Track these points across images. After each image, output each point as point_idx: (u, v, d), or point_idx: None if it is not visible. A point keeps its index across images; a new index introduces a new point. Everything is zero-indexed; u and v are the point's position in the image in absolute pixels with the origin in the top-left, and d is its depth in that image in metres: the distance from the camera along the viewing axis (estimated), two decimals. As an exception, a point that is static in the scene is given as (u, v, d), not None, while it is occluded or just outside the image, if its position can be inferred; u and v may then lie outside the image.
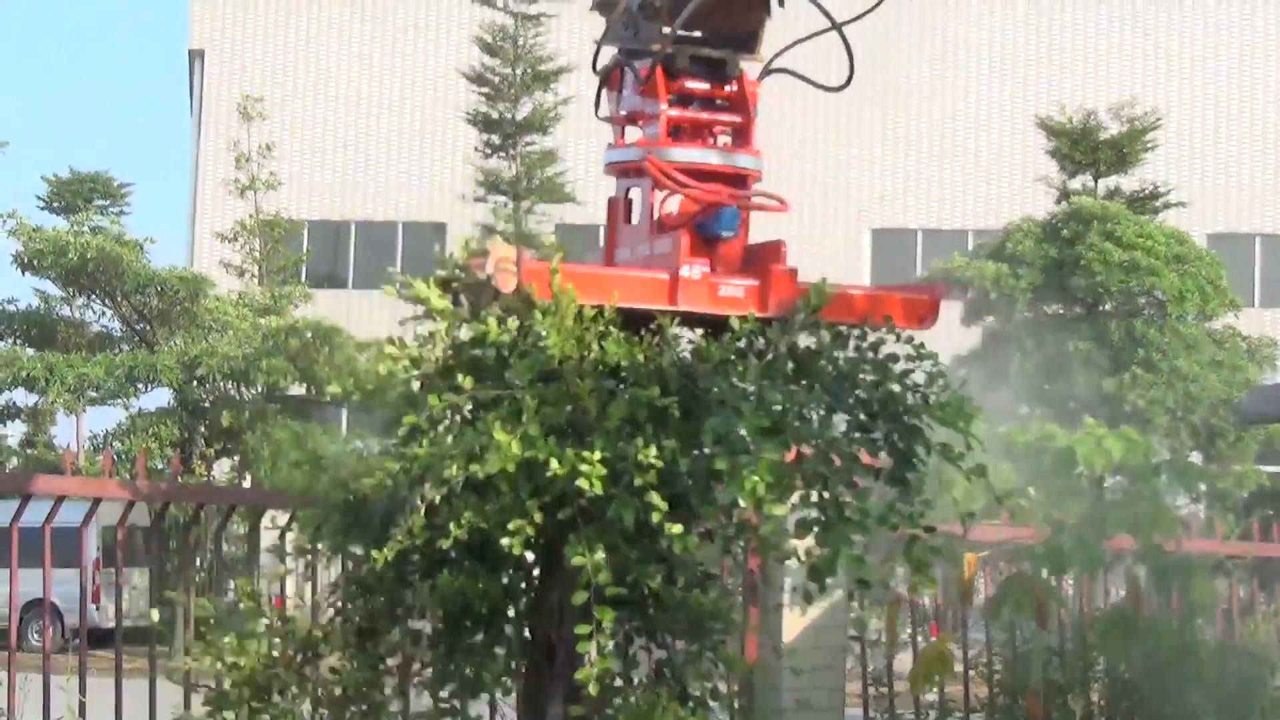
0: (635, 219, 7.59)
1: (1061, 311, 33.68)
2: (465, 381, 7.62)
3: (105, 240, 32.65)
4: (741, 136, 7.53)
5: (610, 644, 7.45)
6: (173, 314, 32.75)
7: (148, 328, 33.39)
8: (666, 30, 7.39)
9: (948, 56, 49.57)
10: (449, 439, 7.59)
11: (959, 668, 11.88)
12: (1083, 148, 36.99)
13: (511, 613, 7.99)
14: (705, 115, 7.52)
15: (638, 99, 7.53)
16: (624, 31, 7.61)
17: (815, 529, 7.44)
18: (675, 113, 7.42)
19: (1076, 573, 11.92)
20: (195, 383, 31.51)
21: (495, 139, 40.16)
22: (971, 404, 7.79)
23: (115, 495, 9.85)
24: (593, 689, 7.36)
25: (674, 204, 7.42)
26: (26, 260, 32.54)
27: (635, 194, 7.55)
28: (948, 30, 49.82)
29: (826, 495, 7.41)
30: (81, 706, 9.68)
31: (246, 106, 37.79)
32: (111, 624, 10.33)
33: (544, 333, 7.54)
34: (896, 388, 7.62)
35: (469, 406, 7.70)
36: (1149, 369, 31.85)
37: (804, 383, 7.60)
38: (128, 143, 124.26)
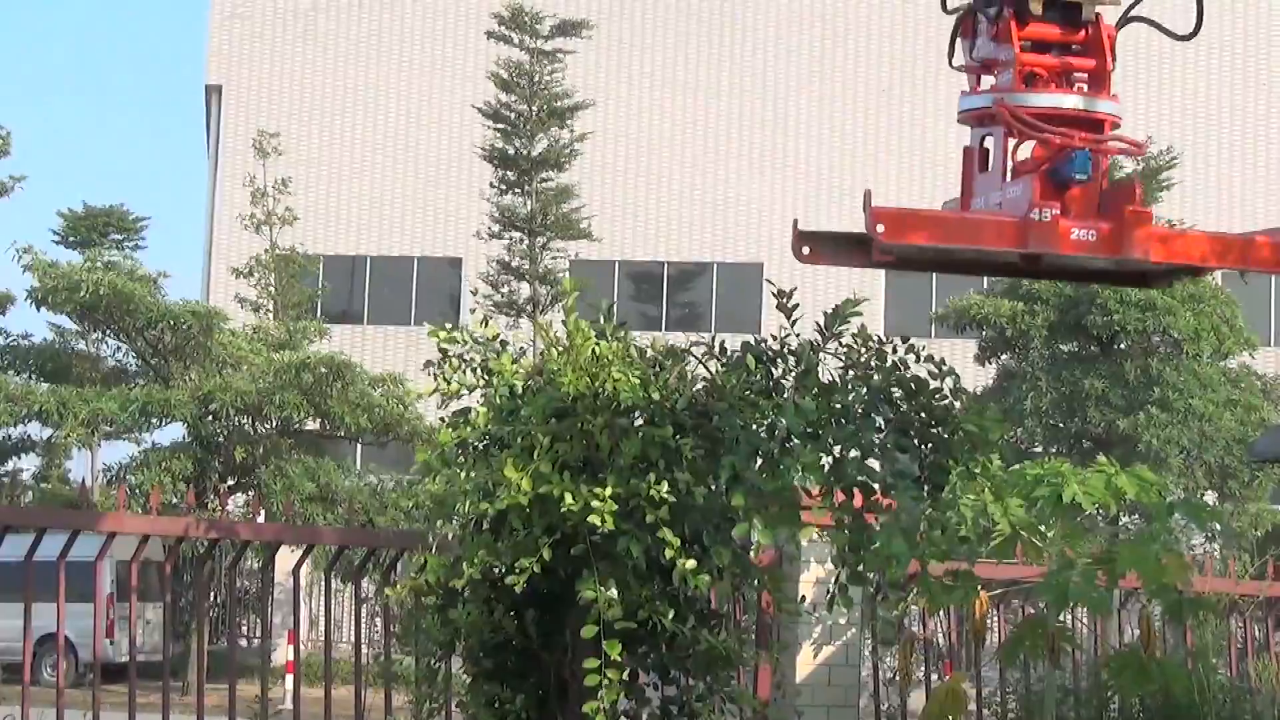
0: (990, 166, 7.43)
1: (1077, 349, 33.59)
2: (479, 418, 7.63)
3: (118, 276, 32.58)
4: (1097, 81, 7.33)
5: (619, 677, 7.45)
6: (187, 349, 32.69)
7: (162, 362, 33.34)
8: None
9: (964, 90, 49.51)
10: (462, 475, 7.61)
11: (973, 707, 11.84)
12: (1099, 186, 36.92)
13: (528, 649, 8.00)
14: (1059, 60, 7.32)
15: (991, 46, 7.40)
16: None
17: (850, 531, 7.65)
18: (1028, 58, 7.25)
19: (1087, 613, 11.90)
20: (209, 417, 31.47)
21: (511, 175, 40.16)
22: (995, 412, 7.99)
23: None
24: (599, 720, 7.37)
25: (1028, 151, 7.23)
26: (41, 296, 32.51)
27: (989, 142, 7.40)
28: (963, 68, 49.82)
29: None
30: (94, 741, 9.69)
31: (262, 142, 37.85)
32: (125, 659, 10.32)
33: (558, 370, 7.55)
34: (927, 400, 7.81)
35: (483, 443, 7.72)
36: (1164, 408, 31.74)
37: (838, 396, 7.77)
38: (145, 177, 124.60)
